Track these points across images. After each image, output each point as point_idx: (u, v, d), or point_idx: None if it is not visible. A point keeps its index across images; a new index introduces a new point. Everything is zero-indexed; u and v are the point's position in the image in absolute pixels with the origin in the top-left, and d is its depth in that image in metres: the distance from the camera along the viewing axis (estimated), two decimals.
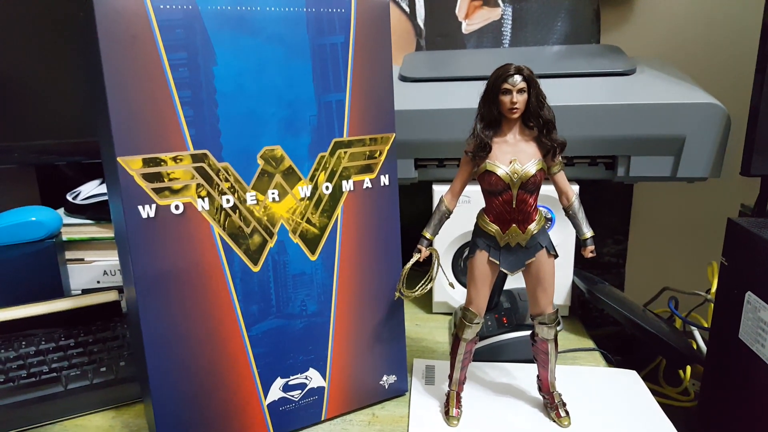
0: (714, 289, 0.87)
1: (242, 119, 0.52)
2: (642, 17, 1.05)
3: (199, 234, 0.52)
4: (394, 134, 0.61)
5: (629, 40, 1.05)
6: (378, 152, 0.60)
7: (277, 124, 0.54)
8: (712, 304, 0.85)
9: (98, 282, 0.95)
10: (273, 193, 0.55)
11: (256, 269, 0.55)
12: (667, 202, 1.13)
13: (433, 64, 0.95)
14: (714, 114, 0.74)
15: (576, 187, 0.77)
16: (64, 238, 0.93)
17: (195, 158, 0.51)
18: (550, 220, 0.84)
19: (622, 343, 1.03)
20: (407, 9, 1.04)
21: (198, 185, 0.51)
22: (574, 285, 0.86)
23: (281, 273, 0.57)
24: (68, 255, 0.94)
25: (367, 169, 0.60)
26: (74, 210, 0.97)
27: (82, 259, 0.95)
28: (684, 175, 0.78)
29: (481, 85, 0.55)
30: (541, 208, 0.63)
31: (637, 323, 0.77)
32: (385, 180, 0.61)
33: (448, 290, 0.87)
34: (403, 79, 0.89)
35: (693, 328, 0.87)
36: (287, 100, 0.54)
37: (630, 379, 0.67)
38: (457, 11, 1.04)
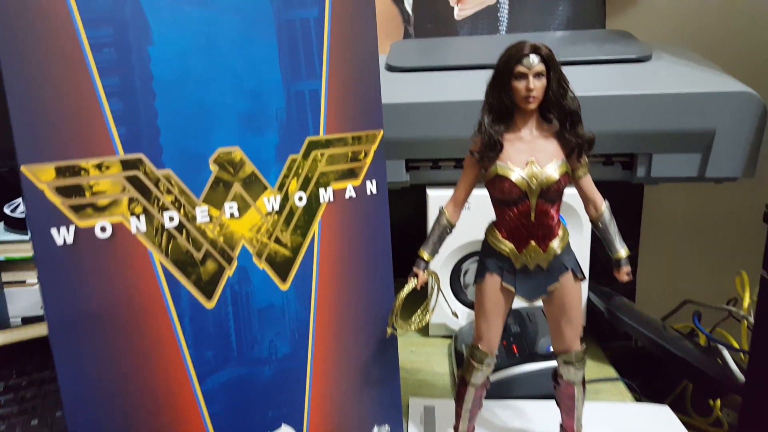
0: (746, 303, 0.77)
1: (189, 113, 0.41)
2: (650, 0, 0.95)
3: (134, 263, 0.40)
4: (382, 131, 0.50)
5: (637, 25, 0.95)
6: (363, 153, 0.49)
7: (235, 119, 0.43)
8: (745, 321, 0.75)
9: (42, 308, 0.82)
10: (231, 207, 0.44)
11: (210, 305, 0.44)
12: (682, 202, 1.04)
13: (423, 53, 0.84)
14: (748, 104, 0.65)
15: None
16: (2, 257, 0.81)
17: (126, 165, 0.39)
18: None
19: (638, 360, 0.93)
20: None
21: (131, 200, 0.40)
22: (589, 302, 0.76)
23: (243, 308, 0.45)
24: (6, 277, 0.81)
25: (349, 174, 0.49)
26: (14, 224, 0.84)
27: (24, 282, 0.82)
28: (713, 175, 0.69)
29: (480, 74, 0.44)
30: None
31: (667, 349, 0.67)
32: (371, 187, 0.50)
33: (447, 311, 0.76)
34: (391, 68, 0.78)
35: (722, 347, 0.77)
36: (248, 89, 0.43)
37: (663, 417, 0.57)
38: None
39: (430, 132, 0.71)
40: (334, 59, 0.46)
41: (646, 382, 0.80)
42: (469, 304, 0.78)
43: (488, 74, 0.45)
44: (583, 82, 0.71)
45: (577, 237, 0.73)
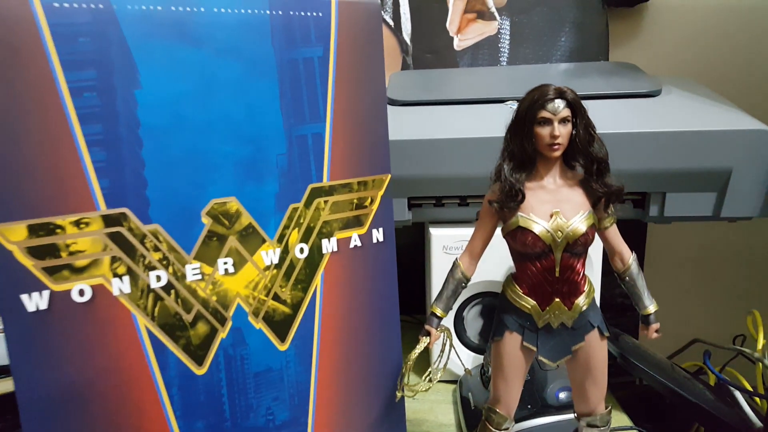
0: (760, 344, 0.74)
1: (180, 162, 0.37)
2: (653, 30, 0.94)
3: (116, 329, 0.36)
4: (390, 176, 0.47)
5: (640, 57, 0.93)
6: (369, 199, 0.45)
7: (231, 167, 0.39)
8: (760, 364, 0.72)
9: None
10: (226, 264, 0.39)
11: (201, 371, 0.40)
12: (688, 236, 1.01)
13: (424, 85, 0.81)
14: (765, 143, 0.62)
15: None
16: None
17: (108, 221, 0.35)
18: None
19: (647, 401, 0.89)
20: (391, 22, 0.91)
21: (113, 259, 0.35)
22: None
23: (238, 372, 0.41)
24: None
25: (355, 222, 0.45)
26: None
27: None
28: (729, 215, 0.65)
29: (484, 109, 0.41)
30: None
31: (680, 394, 0.63)
32: (378, 235, 0.46)
33: (460, 366, 0.72)
34: (391, 102, 0.74)
35: (735, 390, 0.74)
36: (246, 135, 0.39)
37: None
38: (448, 25, 0.91)
39: (432, 169, 0.67)
40: (339, 100, 0.43)
41: (657, 426, 0.75)
42: (474, 348, 0.74)
43: (497, 111, 0.42)
44: (592, 118, 0.68)
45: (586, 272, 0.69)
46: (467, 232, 0.74)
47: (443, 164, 0.67)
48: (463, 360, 0.72)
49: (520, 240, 0.40)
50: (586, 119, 0.39)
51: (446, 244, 0.70)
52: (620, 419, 0.67)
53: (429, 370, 0.47)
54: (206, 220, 0.38)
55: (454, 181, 0.67)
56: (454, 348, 0.47)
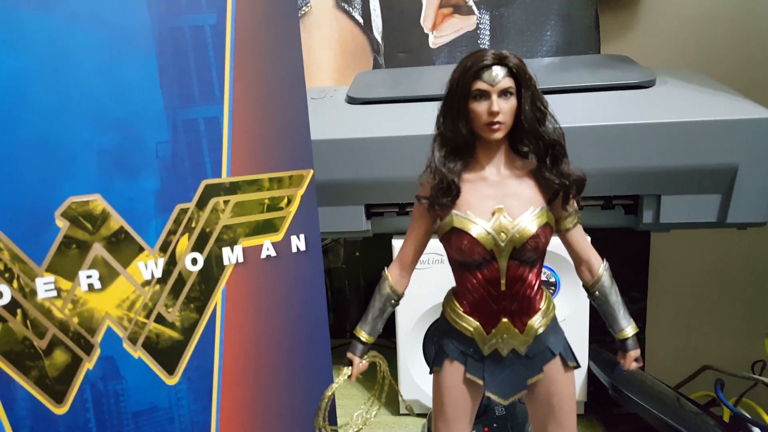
0: None
1: (25, 153, 0.30)
2: (647, 23, 0.86)
3: None
4: (312, 171, 0.39)
5: (634, 51, 0.85)
6: (285, 200, 0.38)
7: (94, 158, 0.32)
8: None
9: None
10: (90, 277, 0.32)
11: (60, 410, 0.32)
12: (696, 249, 0.92)
13: (392, 83, 0.74)
14: None
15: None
16: None
17: None
18: (553, 286, 0.61)
19: None
20: (360, 19, 0.84)
21: None
22: (590, 372, 0.63)
23: (111, 412, 0.33)
24: None
25: (267, 227, 0.37)
26: None
27: None
28: (736, 221, 0.57)
29: None
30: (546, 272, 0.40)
31: None
32: (298, 243, 0.39)
33: (419, 383, 0.63)
34: (352, 101, 0.67)
35: (753, 427, 0.64)
36: (112, 119, 0.32)
37: None
38: (422, 21, 0.84)
39: (394, 172, 0.59)
40: (241, 79, 0.35)
41: None
42: None
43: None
44: (575, 111, 0.60)
45: (574, 294, 0.61)
46: (437, 244, 0.66)
47: (405, 165, 0.59)
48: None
49: (455, 245, 0.32)
50: (533, 91, 0.32)
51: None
52: None
53: (362, 406, 0.39)
54: (61, 223, 0.31)
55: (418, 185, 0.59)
56: (392, 381, 0.39)
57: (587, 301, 0.61)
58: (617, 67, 0.71)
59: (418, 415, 0.67)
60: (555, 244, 0.64)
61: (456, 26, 0.83)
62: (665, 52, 0.86)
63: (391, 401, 0.69)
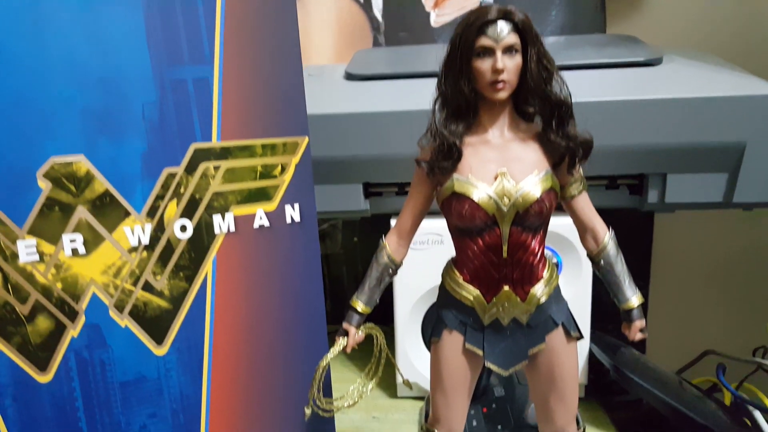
0: None
1: (4, 110, 0.29)
2: (653, 3, 0.84)
3: None
4: (308, 139, 0.38)
5: (640, 31, 0.84)
6: (279, 168, 0.36)
7: (77, 117, 0.31)
8: None
9: None
10: (74, 241, 0.31)
11: (44, 378, 0.31)
12: (700, 234, 0.90)
13: (392, 60, 0.72)
14: None
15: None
16: None
17: None
18: (555, 267, 0.60)
19: (652, 425, 0.78)
20: None
21: None
22: (591, 355, 0.62)
23: (97, 381, 0.33)
24: None
25: (260, 195, 0.36)
26: None
27: None
28: (743, 200, 0.56)
29: None
30: (548, 252, 0.39)
31: (688, 416, 0.53)
32: (293, 213, 0.37)
33: (418, 367, 0.62)
34: (350, 77, 0.66)
35: (754, 409, 0.63)
36: (97, 77, 0.31)
37: None
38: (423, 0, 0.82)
39: (393, 148, 0.58)
40: (232, 39, 0.34)
41: None
42: None
43: None
44: (579, 88, 0.59)
45: (576, 278, 0.59)
46: (436, 224, 0.64)
47: (405, 142, 0.57)
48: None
49: (455, 210, 0.31)
50: (539, 48, 0.30)
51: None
52: None
53: (358, 380, 0.37)
54: (44, 184, 0.30)
55: None
56: (389, 355, 0.37)
57: (590, 283, 0.60)
58: (623, 46, 0.69)
59: (416, 398, 0.66)
60: (557, 224, 0.63)
61: (458, 5, 0.81)
62: (672, 33, 0.85)
63: (389, 385, 0.68)
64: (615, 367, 0.59)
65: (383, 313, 0.67)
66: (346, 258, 0.88)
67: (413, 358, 0.63)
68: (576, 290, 0.59)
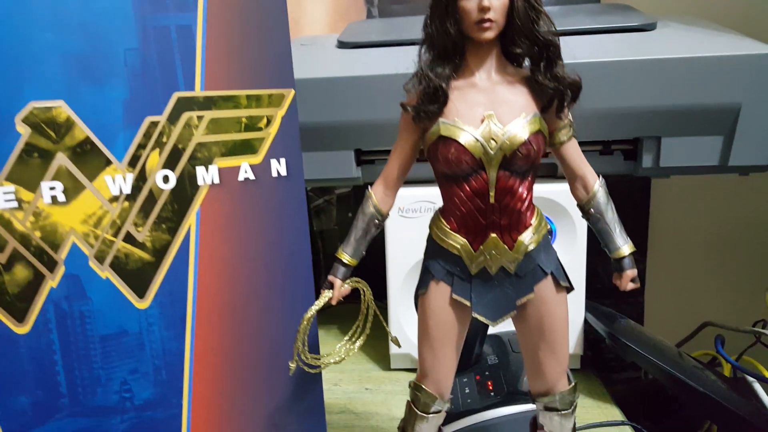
0: None
1: None
2: None
3: None
4: (294, 92, 0.37)
5: (636, 2, 0.83)
6: (264, 120, 0.36)
7: (57, 61, 0.30)
8: None
9: None
10: (53, 189, 0.30)
11: (22, 329, 0.30)
12: (698, 202, 0.90)
13: (385, 30, 0.71)
14: None
15: None
16: None
17: None
18: (549, 234, 0.59)
19: (650, 397, 0.78)
20: None
21: None
22: (586, 324, 0.61)
23: (77, 334, 0.32)
24: None
25: (244, 147, 0.35)
26: None
27: None
28: (738, 164, 0.56)
29: None
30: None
31: (686, 383, 0.53)
32: (279, 167, 0.37)
33: (412, 338, 0.61)
34: (343, 45, 0.65)
35: (753, 380, 0.63)
36: (77, 21, 0.30)
37: None
38: None
39: (386, 114, 0.57)
40: None
41: (660, 425, 0.67)
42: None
43: None
44: (572, 52, 0.58)
45: (569, 245, 0.59)
46: (428, 192, 0.62)
47: (397, 107, 0.57)
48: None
49: (442, 155, 0.30)
50: None
51: (402, 205, 0.60)
52: (612, 413, 0.57)
53: (345, 338, 0.37)
54: (22, 129, 0.29)
55: None
56: (376, 311, 0.37)
57: (584, 251, 0.60)
58: (617, 13, 0.69)
59: (409, 370, 0.66)
60: (551, 190, 0.62)
61: None
62: (666, 4, 0.84)
63: (382, 357, 0.68)
64: (610, 335, 0.59)
65: (376, 292, 0.67)
66: (340, 234, 0.88)
67: (407, 330, 0.62)
68: (571, 256, 0.59)
